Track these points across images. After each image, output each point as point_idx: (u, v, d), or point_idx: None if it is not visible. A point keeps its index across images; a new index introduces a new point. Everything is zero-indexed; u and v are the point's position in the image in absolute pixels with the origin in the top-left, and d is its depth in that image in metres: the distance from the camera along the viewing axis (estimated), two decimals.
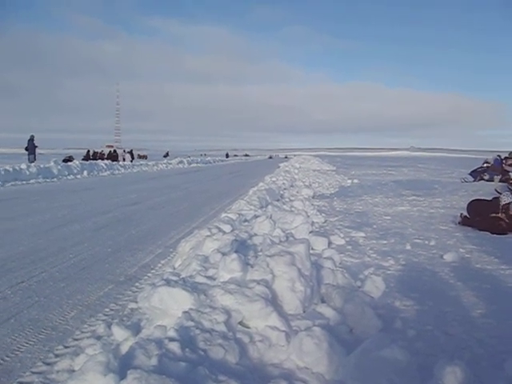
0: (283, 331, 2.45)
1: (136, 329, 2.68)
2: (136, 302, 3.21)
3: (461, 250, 4.91)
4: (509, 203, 6.16)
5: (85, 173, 18.58)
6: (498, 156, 15.30)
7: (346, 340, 2.51)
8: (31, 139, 22.30)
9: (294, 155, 74.76)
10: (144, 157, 54.51)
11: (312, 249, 4.31)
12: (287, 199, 9.56)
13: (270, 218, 5.96)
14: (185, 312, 2.50)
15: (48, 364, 2.44)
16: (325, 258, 4.13)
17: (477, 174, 14.92)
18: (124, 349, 2.27)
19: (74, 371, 2.20)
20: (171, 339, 2.17)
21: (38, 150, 23.46)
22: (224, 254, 3.51)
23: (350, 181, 15.31)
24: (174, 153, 71.62)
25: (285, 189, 11.71)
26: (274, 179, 13.88)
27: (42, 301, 3.42)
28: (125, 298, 3.52)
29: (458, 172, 20.65)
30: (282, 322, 2.54)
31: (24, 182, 14.09)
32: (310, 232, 5.50)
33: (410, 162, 40.93)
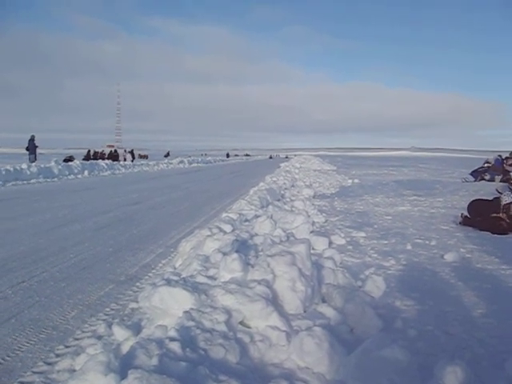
0: (284, 331, 2.45)
1: (137, 328, 2.68)
2: (137, 302, 3.22)
3: (461, 249, 4.91)
4: (510, 203, 6.16)
5: (85, 173, 18.60)
6: (499, 156, 15.29)
7: (347, 340, 2.51)
8: (32, 139, 22.31)
9: (295, 155, 74.75)
10: (145, 157, 54.52)
11: (313, 249, 4.31)
12: (288, 199, 9.56)
13: (271, 217, 5.96)
14: (185, 312, 2.50)
15: (49, 364, 2.44)
16: (325, 257, 4.13)
17: (478, 174, 14.91)
18: (125, 348, 2.27)
19: (74, 371, 2.20)
20: (172, 339, 2.17)
21: (38, 150, 23.47)
22: (225, 254, 3.51)
23: (350, 181, 15.30)
24: (175, 153, 71.65)
25: (285, 189, 11.71)
26: (274, 179, 13.88)
27: (42, 300, 3.42)
28: (125, 298, 3.52)
29: (459, 172, 20.63)
30: (283, 322, 2.54)
31: (25, 182, 14.11)
32: (311, 232, 5.50)
33: (411, 162, 40.91)
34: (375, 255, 4.61)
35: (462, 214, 6.70)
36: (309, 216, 6.41)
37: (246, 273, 3.06)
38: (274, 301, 2.74)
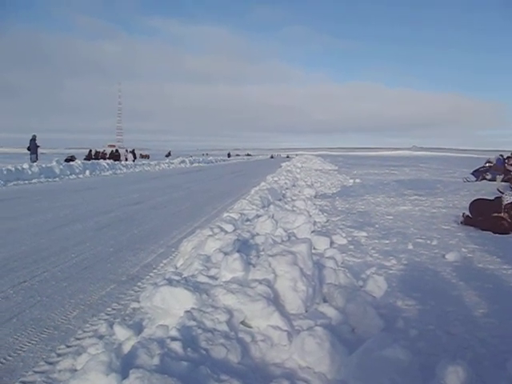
0: (285, 331, 2.45)
1: (138, 328, 2.69)
2: (138, 302, 3.22)
3: (463, 249, 4.90)
4: (511, 203, 6.15)
5: (87, 172, 18.62)
6: (501, 156, 15.27)
7: (348, 340, 2.51)
8: (33, 139, 22.33)
9: (296, 155, 74.71)
10: (146, 156, 54.53)
11: (314, 248, 4.31)
12: (289, 199, 9.56)
13: (272, 217, 5.97)
14: (187, 311, 2.51)
15: (50, 363, 2.45)
16: (327, 257, 4.13)
17: (479, 174, 14.89)
18: (126, 348, 2.27)
19: (76, 370, 2.20)
20: (173, 339, 2.17)
21: (40, 150, 23.50)
22: (226, 254, 3.51)
23: (351, 180, 15.30)
24: (176, 152, 71.67)
25: (287, 188, 11.70)
26: (275, 179, 13.88)
27: (44, 300, 3.42)
28: (127, 298, 3.52)
29: (460, 172, 20.61)
30: (284, 322, 2.54)
31: (26, 182, 14.14)
32: (312, 231, 5.50)
33: (412, 162, 40.87)
34: (376, 255, 4.61)
35: (463, 213, 6.69)
36: (310, 216, 6.40)
37: (247, 272, 3.06)
38: (275, 300, 2.74)
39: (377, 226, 6.39)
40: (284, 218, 6.05)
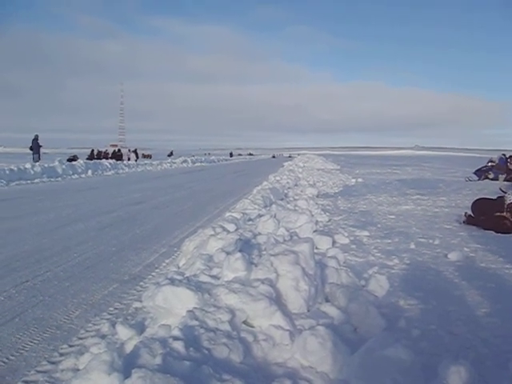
0: (287, 330, 2.45)
1: (140, 328, 2.69)
2: (140, 301, 3.23)
3: (465, 249, 4.89)
4: None
5: (89, 172, 18.65)
6: (503, 155, 15.23)
7: (350, 339, 2.51)
8: (35, 139, 22.40)
9: (298, 154, 74.61)
10: (148, 156, 54.57)
11: (316, 248, 4.30)
12: (291, 198, 9.55)
13: (274, 217, 5.96)
14: (189, 311, 2.51)
15: (53, 363, 2.45)
16: (329, 257, 4.12)
17: (481, 173, 14.86)
18: (128, 348, 2.27)
19: (78, 370, 2.21)
20: (175, 338, 2.17)
21: (42, 150, 23.57)
22: (228, 253, 3.51)
23: (354, 180, 15.28)
24: (178, 152, 71.70)
25: (289, 188, 11.70)
26: (278, 178, 13.88)
27: (46, 300, 3.43)
28: (129, 297, 3.53)
29: (463, 171, 20.55)
30: (286, 321, 2.53)
31: (29, 182, 14.17)
32: (314, 231, 5.50)
33: (415, 161, 40.79)
34: (379, 254, 4.60)
35: (465, 212, 6.68)
36: (312, 215, 6.40)
37: (249, 272, 3.06)
38: (277, 300, 2.73)
39: (379, 225, 6.39)
40: (286, 217, 6.05)
